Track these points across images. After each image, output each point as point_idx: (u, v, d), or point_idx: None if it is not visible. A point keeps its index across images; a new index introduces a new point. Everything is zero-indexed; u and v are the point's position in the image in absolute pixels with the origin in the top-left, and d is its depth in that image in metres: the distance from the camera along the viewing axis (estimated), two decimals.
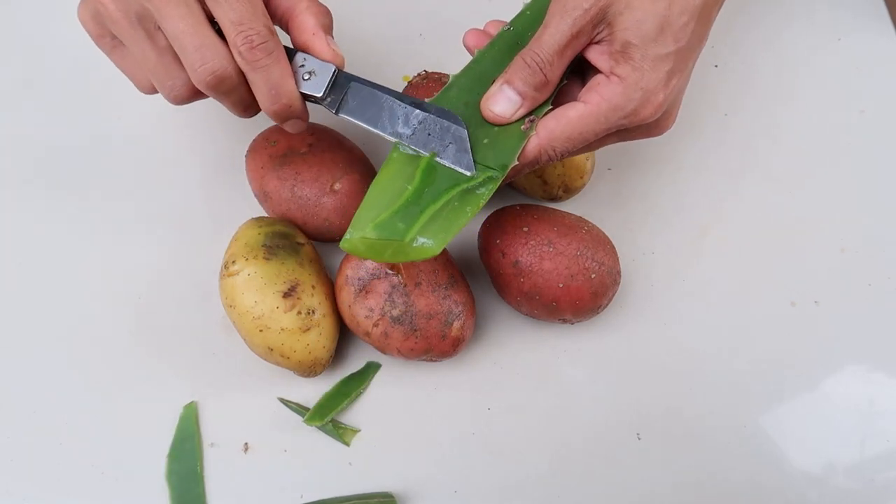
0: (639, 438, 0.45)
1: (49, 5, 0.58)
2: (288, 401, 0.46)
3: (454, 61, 0.55)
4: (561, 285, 0.42)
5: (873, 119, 0.55)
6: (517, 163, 0.37)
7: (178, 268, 0.50)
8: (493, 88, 0.38)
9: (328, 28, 0.40)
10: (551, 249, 0.42)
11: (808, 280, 0.50)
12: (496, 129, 0.38)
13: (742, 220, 0.51)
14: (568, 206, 0.51)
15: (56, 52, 0.57)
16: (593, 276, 0.42)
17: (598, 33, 0.36)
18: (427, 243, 0.36)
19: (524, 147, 0.37)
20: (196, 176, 0.52)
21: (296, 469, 0.45)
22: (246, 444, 0.45)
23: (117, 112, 0.53)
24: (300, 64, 0.39)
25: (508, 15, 0.40)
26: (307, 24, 0.39)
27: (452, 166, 0.37)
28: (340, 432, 0.45)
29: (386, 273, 0.42)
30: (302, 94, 0.39)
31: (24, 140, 0.53)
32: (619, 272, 0.44)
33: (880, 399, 0.47)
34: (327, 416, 0.45)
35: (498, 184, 0.37)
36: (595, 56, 0.37)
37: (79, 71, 0.56)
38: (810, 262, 0.50)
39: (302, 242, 0.45)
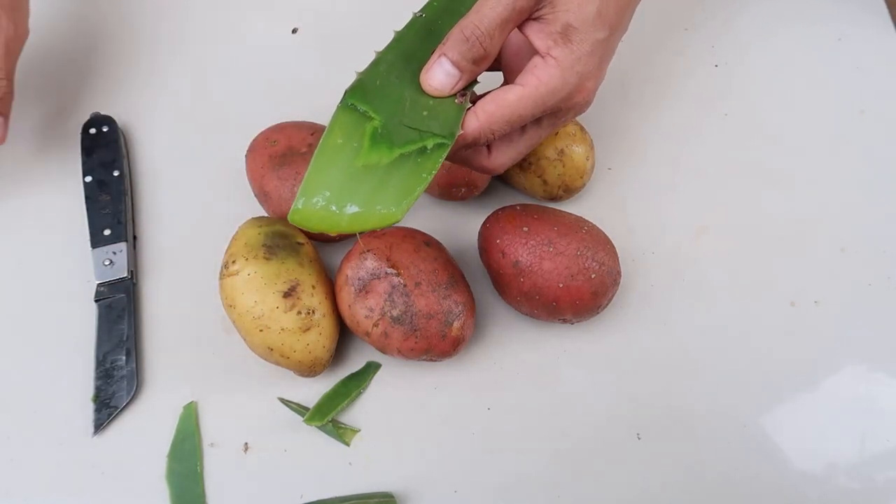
0: (639, 438, 0.45)
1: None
2: (288, 401, 0.46)
3: None
4: (561, 285, 0.42)
5: (873, 119, 0.55)
6: (462, 133, 0.37)
7: (178, 267, 0.50)
8: (432, 61, 0.37)
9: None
10: (551, 249, 0.42)
11: (808, 280, 0.50)
12: (432, 101, 0.37)
13: (742, 220, 0.51)
14: (568, 206, 0.51)
15: (52, 43, 0.57)
16: (593, 276, 0.42)
17: (539, 9, 0.36)
18: (388, 210, 0.35)
19: (464, 127, 0.37)
20: (196, 176, 0.52)
21: (296, 469, 0.45)
22: (246, 444, 0.45)
23: (117, 112, 0.53)
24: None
25: None
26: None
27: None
28: (340, 432, 0.45)
29: (386, 273, 0.42)
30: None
31: (23, 136, 0.53)
32: (619, 272, 0.44)
33: (880, 399, 0.46)
34: (327, 416, 0.45)
35: (447, 149, 0.36)
36: (533, 33, 0.37)
37: (78, 69, 0.56)
38: (810, 262, 0.50)
39: (302, 242, 0.45)
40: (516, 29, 0.37)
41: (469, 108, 0.37)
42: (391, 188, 0.35)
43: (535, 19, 0.37)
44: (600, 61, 0.37)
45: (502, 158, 0.40)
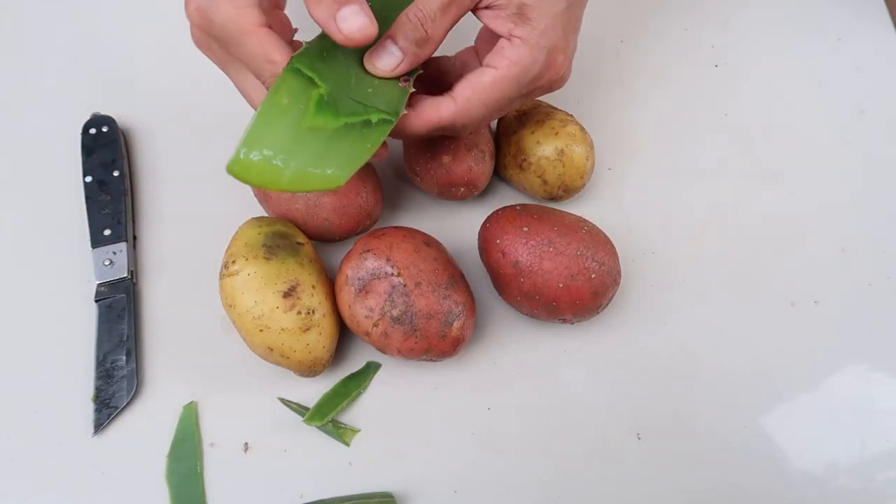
0: (639, 438, 0.45)
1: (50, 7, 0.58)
2: (288, 401, 0.46)
3: None
4: (561, 285, 0.42)
5: (873, 119, 0.55)
6: (440, 117, 0.38)
7: (178, 267, 0.50)
8: (378, 43, 0.38)
9: (334, 7, 0.37)
10: (551, 249, 0.42)
11: (808, 280, 0.50)
12: (377, 80, 0.38)
13: (742, 220, 0.51)
14: (568, 206, 0.51)
15: (52, 48, 0.57)
16: (593, 276, 0.42)
17: None
18: (331, 172, 0.34)
19: (441, 111, 0.38)
20: (196, 176, 0.52)
21: (296, 469, 0.45)
22: (246, 444, 0.45)
23: (117, 112, 0.53)
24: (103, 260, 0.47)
25: None
26: (318, 21, 0.38)
27: None
28: (340, 432, 0.45)
29: (386, 273, 0.42)
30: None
31: (23, 136, 0.53)
32: (619, 272, 0.44)
33: (880, 399, 0.46)
34: (327, 416, 0.45)
35: (391, 125, 0.37)
36: (491, 21, 0.38)
37: (76, 69, 0.56)
38: (810, 262, 0.50)
39: (302, 242, 0.45)
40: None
41: (409, 92, 0.38)
42: (336, 154, 0.35)
43: (487, 7, 0.38)
44: (565, 33, 0.38)
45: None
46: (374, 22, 0.36)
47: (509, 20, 0.37)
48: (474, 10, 0.39)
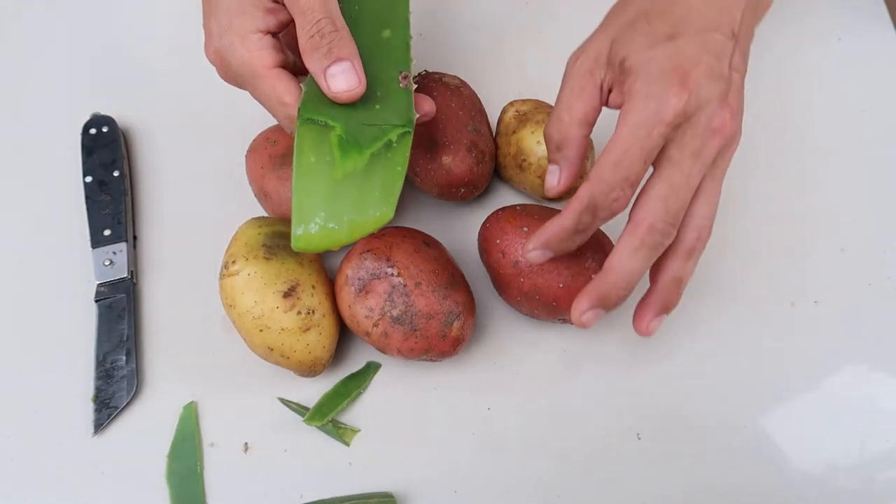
0: (639, 438, 0.45)
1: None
2: (288, 401, 0.46)
3: (454, 61, 0.56)
4: (561, 285, 0.42)
5: (873, 119, 0.55)
6: (576, 197, 0.36)
7: (178, 267, 0.50)
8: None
9: (324, 63, 0.38)
10: None
11: (808, 280, 0.50)
12: (379, 92, 0.38)
13: (742, 220, 0.51)
14: None
15: (52, 48, 0.57)
16: (593, 275, 0.42)
17: (610, 81, 0.37)
18: (379, 211, 0.36)
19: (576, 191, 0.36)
20: (196, 176, 0.52)
21: (296, 469, 0.45)
22: (246, 444, 0.45)
23: (117, 112, 0.53)
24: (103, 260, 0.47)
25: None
26: (310, 71, 0.39)
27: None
28: (340, 432, 0.45)
29: (386, 273, 0.42)
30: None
31: (23, 136, 0.53)
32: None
33: (880, 399, 0.46)
34: (327, 416, 0.45)
35: (411, 136, 0.37)
36: (614, 100, 0.37)
37: (76, 69, 0.56)
38: (810, 262, 0.50)
39: None
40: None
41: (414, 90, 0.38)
42: (374, 190, 0.36)
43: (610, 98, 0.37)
44: (674, 46, 0.34)
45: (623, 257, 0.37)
46: (363, 81, 0.37)
47: (621, 87, 0.36)
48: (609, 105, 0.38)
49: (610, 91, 0.37)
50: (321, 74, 0.37)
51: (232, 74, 0.39)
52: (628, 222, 0.36)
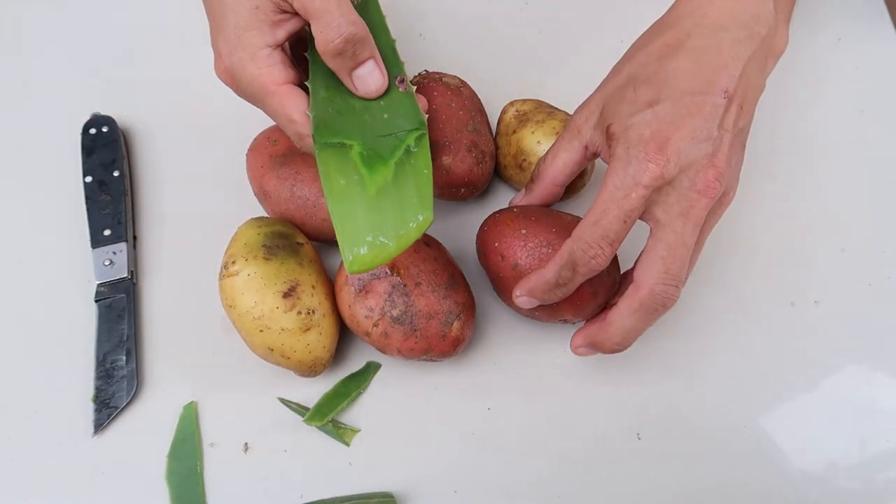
0: (639, 438, 0.45)
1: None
2: (288, 401, 0.46)
3: (454, 61, 0.56)
4: None
5: (873, 119, 0.55)
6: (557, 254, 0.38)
7: (178, 267, 0.50)
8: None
9: (350, 66, 0.39)
10: (550, 251, 0.42)
11: (808, 280, 0.50)
12: (382, 102, 0.39)
13: (742, 220, 0.51)
14: (568, 207, 0.51)
15: (52, 48, 0.57)
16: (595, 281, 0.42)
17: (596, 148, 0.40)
18: (419, 218, 0.36)
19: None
20: (196, 176, 0.52)
21: (296, 469, 0.45)
22: (246, 444, 0.45)
23: (117, 112, 0.53)
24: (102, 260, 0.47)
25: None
26: (336, 72, 0.40)
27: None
28: (340, 432, 0.45)
29: (386, 273, 0.42)
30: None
31: (23, 136, 0.53)
32: (618, 272, 0.44)
33: (880, 399, 0.46)
34: (327, 416, 0.45)
35: (426, 136, 0.38)
36: (606, 159, 0.39)
37: (76, 69, 0.56)
38: (810, 262, 0.50)
39: (302, 242, 0.45)
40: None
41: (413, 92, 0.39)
42: (410, 196, 0.36)
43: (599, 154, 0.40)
44: (651, 109, 0.36)
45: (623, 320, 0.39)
46: (385, 74, 0.39)
47: (605, 154, 0.38)
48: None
49: (595, 153, 0.41)
50: (347, 76, 0.38)
51: (243, 92, 0.39)
52: (631, 282, 0.38)
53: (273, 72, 0.38)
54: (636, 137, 0.36)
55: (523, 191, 0.45)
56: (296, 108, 0.38)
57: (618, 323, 0.38)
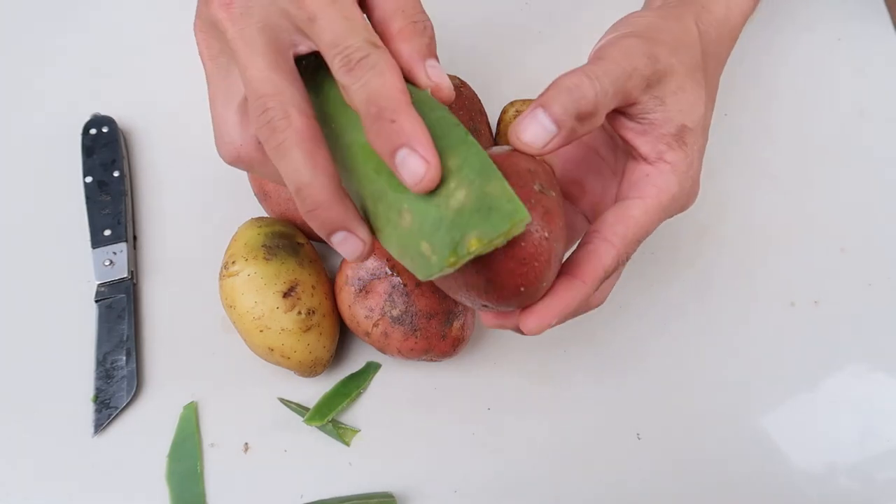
0: (639, 438, 0.45)
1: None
2: (288, 401, 0.46)
3: (455, 62, 0.56)
4: None
5: (873, 119, 0.55)
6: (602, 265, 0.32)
7: (178, 267, 0.50)
8: (525, 112, 0.31)
9: (425, 52, 0.31)
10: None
11: (808, 280, 0.50)
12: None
13: (742, 220, 0.51)
14: None
15: (52, 48, 0.57)
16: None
17: (641, 107, 0.32)
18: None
19: (601, 258, 0.32)
20: (196, 176, 0.52)
21: (296, 469, 0.45)
22: (246, 444, 0.45)
23: (117, 112, 0.53)
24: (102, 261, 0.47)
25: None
26: (402, 56, 0.30)
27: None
28: (340, 432, 0.45)
29: (386, 273, 0.42)
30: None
31: (23, 136, 0.53)
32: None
33: (880, 399, 0.47)
34: (327, 416, 0.45)
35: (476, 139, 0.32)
36: (636, 137, 0.33)
37: (76, 69, 0.56)
38: (810, 262, 0.50)
39: (302, 242, 0.45)
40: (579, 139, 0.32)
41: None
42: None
43: (636, 121, 0.33)
44: (700, 157, 0.35)
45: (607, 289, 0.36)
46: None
47: (662, 141, 0.32)
48: (617, 114, 0.33)
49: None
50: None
51: (243, 165, 0.34)
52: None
53: None
54: (695, 169, 0.35)
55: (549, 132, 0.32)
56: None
57: (605, 289, 0.35)
